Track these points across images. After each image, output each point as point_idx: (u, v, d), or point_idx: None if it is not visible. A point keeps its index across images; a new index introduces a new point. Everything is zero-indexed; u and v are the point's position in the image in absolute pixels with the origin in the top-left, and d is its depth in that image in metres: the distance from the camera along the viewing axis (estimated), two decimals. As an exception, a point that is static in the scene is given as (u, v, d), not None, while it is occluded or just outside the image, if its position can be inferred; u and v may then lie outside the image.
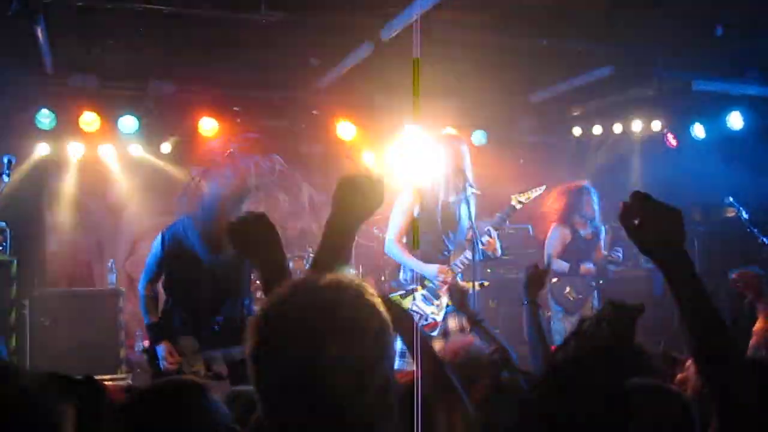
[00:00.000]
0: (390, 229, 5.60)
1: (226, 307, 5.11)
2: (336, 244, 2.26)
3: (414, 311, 5.32)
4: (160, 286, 5.23)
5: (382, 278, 9.39)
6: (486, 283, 5.65)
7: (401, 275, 5.57)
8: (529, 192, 5.81)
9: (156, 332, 5.09)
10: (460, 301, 3.61)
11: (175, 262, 5.09)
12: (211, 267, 5.04)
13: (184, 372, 5.03)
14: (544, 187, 5.98)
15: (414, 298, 5.40)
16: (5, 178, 5.01)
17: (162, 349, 5.02)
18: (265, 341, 1.55)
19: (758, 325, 4.72)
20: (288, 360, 1.51)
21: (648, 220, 1.89)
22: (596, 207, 7.49)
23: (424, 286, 5.42)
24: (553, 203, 7.48)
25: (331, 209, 2.28)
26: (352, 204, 2.26)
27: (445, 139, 5.75)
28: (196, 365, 5.10)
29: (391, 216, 5.62)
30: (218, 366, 5.08)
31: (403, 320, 2.35)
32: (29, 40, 6.83)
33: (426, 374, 2.22)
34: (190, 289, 5.07)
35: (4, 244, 7.17)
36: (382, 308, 1.60)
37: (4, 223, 7.21)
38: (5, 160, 4.98)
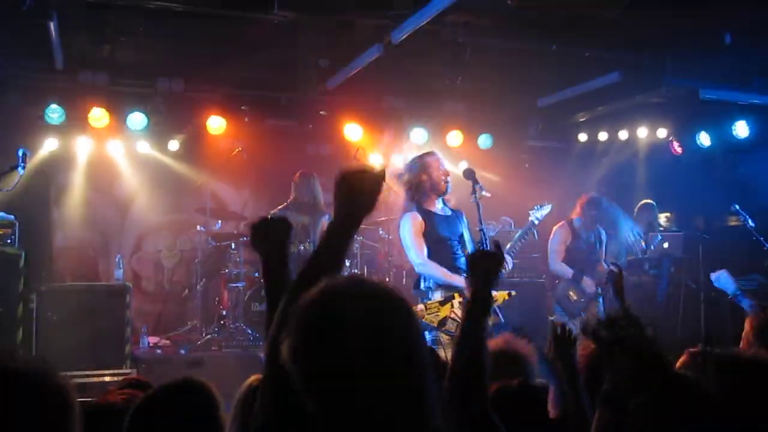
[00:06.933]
0: (411, 250, 5.66)
1: None
2: (334, 245, 2.13)
3: (452, 318, 5.43)
4: None
5: (387, 279, 9.42)
6: (514, 293, 5.74)
7: (422, 284, 5.66)
8: (543, 209, 6.47)
9: None
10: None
11: None
12: None
13: None
14: (551, 205, 6.57)
15: (452, 306, 5.50)
16: (21, 171, 5.04)
17: None
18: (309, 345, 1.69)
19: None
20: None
21: None
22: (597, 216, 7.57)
23: (461, 295, 5.48)
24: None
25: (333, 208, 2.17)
26: (350, 200, 2.13)
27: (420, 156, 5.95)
28: None
29: (408, 238, 5.67)
30: None
31: None
32: (40, 35, 6.85)
33: None
34: None
35: (12, 237, 7.17)
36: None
37: (12, 217, 7.21)
38: (20, 153, 5.02)
